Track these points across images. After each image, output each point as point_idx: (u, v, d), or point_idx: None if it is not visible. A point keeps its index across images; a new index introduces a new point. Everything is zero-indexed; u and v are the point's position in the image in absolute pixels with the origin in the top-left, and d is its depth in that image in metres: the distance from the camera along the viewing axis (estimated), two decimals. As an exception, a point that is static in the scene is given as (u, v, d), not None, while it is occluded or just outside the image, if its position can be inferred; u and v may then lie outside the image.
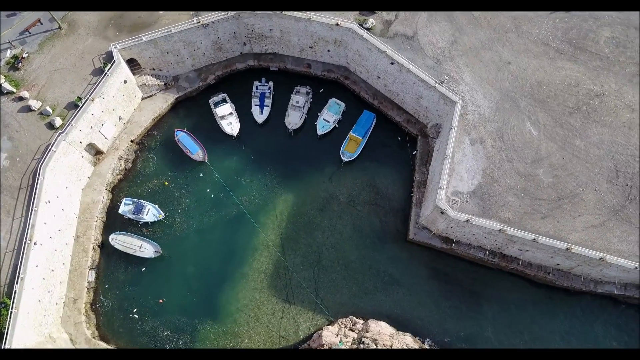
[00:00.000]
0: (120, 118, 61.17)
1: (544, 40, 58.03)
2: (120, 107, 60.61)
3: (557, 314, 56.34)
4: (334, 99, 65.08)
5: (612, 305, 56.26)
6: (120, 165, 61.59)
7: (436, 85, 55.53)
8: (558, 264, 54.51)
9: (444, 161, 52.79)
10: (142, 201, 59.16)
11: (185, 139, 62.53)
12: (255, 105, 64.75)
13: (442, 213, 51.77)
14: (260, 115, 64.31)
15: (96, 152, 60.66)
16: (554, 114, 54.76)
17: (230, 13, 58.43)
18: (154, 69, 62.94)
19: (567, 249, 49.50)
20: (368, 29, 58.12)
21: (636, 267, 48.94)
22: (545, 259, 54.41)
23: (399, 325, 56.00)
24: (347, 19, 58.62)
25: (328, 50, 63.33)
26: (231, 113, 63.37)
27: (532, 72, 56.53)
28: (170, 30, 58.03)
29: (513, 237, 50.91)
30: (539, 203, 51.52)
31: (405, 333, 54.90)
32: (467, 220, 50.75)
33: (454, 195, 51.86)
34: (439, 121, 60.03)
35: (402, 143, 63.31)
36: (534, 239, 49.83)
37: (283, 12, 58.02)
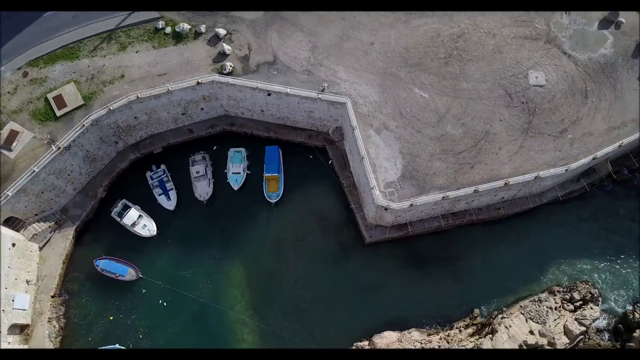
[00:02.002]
0: (28, 282, 54.64)
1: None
2: (22, 271, 54.08)
3: (527, 236, 58.99)
4: (232, 150, 62.57)
5: (559, 205, 59.82)
6: (54, 327, 55.27)
7: (319, 96, 54.83)
8: (503, 198, 56.95)
9: (362, 162, 52.63)
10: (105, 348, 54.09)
11: (108, 265, 57.29)
12: (160, 194, 60.62)
13: (386, 209, 51.87)
14: (169, 202, 60.36)
15: (21, 328, 53.98)
16: (433, 70, 56.18)
17: (87, 123, 53.55)
18: (36, 215, 56.65)
19: (505, 184, 51.66)
20: (230, 73, 55.89)
21: (566, 170, 52.17)
22: (491, 200, 56.61)
23: (401, 325, 56.05)
24: (205, 73, 55.94)
25: (202, 109, 60.35)
26: (140, 216, 58.85)
27: (396, 42, 57.45)
28: (34, 171, 52.20)
29: (457, 198, 52.22)
30: (462, 155, 53.04)
31: (410, 330, 55.10)
32: (411, 205, 51.24)
33: (388, 187, 51.99)
34: (338, 124, 59.68)
35: (315, 159, 62.41)
36: (475, 190, 51.43)
37: (138, 95, 54.22)
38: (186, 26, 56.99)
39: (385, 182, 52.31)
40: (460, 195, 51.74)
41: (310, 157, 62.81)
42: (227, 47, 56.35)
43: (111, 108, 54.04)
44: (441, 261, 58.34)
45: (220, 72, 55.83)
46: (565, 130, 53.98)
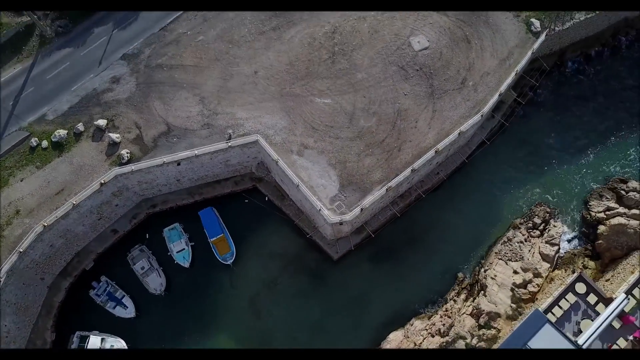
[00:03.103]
0: None
1: (255, 32, 57.55)
2: None
3: (472, 186, 60.38)
4: (165, 230, 58.76)
5: (489, 146, 61.73)
6: None
7: (229, 145, 52.58)
8: (437, 162, 57.96)
9: (299, 189, 51.32)
10: None
11: None
12: (114, 307, 55.90)
13: (341, 224, 51.05)
14: (127, 310, 55.84)
15: None
16: (324, 74, 55.61)
17: (1, 278, 47.82)
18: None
19: (436, 151, 52.46)
20: (129, 160, 52.12)
21: (481, 116, 53.81)
22: (428, 169, 57.44)
23: (400, 321, 55.77)
24: (104, 171, 51.72)
25: (117, 205, 56.03)
26: (103, 339, 53.80)
27: (278, 62, 56.18)
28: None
29: (398, 185, 52.38)
30: (386, 142, 53.12)
31: (411, 322, 55.04)
32: (362, 210, 50.77)
33: (333, 202, 51.11)
34: (258, 160, 57.76)
35: (251, 202, 60.10)
36: (412, 170, 51.81)
37: (44, 223, 49.21)
38: (62, 132, 52.30)
39: (329, 198, 51.37)
40: (401, 181, 51.94)
41: (246, 201, 60.41)
42: (114, 136, 52.42)
43: (21, 250, 48.67)
44: (408, 245, 58.56)
45: (120, 164, 51.94)
46: (465, 80, 55.60)
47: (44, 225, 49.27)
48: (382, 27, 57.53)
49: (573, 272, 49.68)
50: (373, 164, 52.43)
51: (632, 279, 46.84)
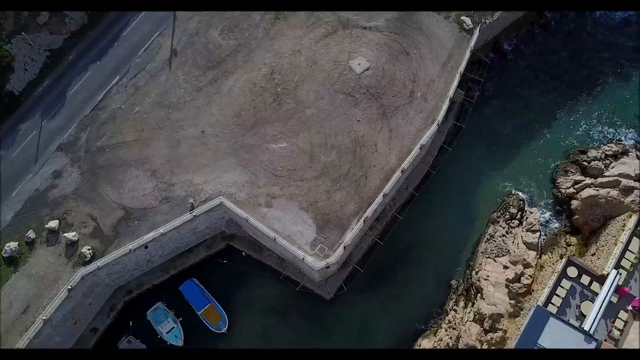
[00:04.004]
0: None
1: (192, 90, 55.05)
2: None
3: (442, 191, 60.05)
4: (149, 313, 55.56)
5: (452, 150, 61.90)
6: None
7: (194, 214, 50.19)
8: (404, 177, 57.45)
9: (276, 242, 49.60)
10: None
11: None
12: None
13: (328, 267, 49.76)
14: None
15: None
16: (273, 118, 53.93)
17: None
18: None
19: (402, 171, 51.95)
20: (93, 257, 48.84)
21: (437, 124, 53.64)
22: (397, 187, 56.84)
23: (407, 344, 55.09)
24: (68, 275, 48.21)
25: (90, 304, 52.47)
26: None
27: (222, 116, 54.01)
28: None
29: (375, 208, 51.38)
30: (351, 173, 52.05)
31: (418, 343, 54.34)
32: (345, 248, 49.68)
33: (314, 246, 49.68)
34: (226, 218, 55.55)
35: (229, 262, 57.79)
36: (384, 195, 51.10)
37: (17, 347, 45.45)
38: (12, 245, 48.34)
39: (309, 244, 49.90)
40: (375, 208, 51.11)
41: (225, 261, 58.03)
42: (70, 235, 48.99)
43: (-2, 384, 44.70)
44: (396, 266, 57.76)
45: (83, 263, 48.59)
46: (412, 92, 55.32)
47: (17, 350, 45.46)
48: (319, 56, 56.47)
49: (561, 257, 50.29)
50: (344, 198, 51.34)
51: (617, 251, 47.80)
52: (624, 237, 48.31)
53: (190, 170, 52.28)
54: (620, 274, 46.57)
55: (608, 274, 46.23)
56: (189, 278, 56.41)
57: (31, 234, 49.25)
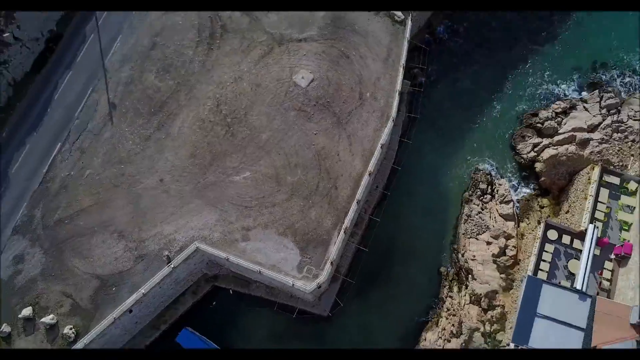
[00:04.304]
0: None
1: (141, 140, 53.14)
2: None
3: (410, 180, 60.80)
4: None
5: (411, 141, 62.42)
6: None
7: (172, 266, 48.31)
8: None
9: (262, 274, 48.63)
10: None
11: None
12: None
13: (320, 286, 49.15)
14: None
15: None
16: (230, 150, 52.63)
17: None
18: None
19: (369, 174, 51.84)
20: (77, 335, 46.36)
21: (392, 120, 53.79)
22: (369, 187, 56.81)
23: (413, 340, 55.19)
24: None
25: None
26: None
27: (178, 159, 52.23)
28: None
29: (352, 217, 51.08)
30: (321, 187, 51.54)
31: (423, 337, 54.50)
32: (332, 263, 49.21)
33: (301, 270, 48.93)
34: (206, 260, 53.97)
35: (218, 303, 56.27)
36: (358, 201, 50.89)
37: None
38: (-12, 345, 45.59)
39: (295, 268, 49.12)
40: (352, 216, 50.85)
41: (214, 303, 56.57)
42: (48, 319, 46.33)
43: None
44: (383, 265, 57.54)
45: (69, 344, 46.15)
46: (361, 94, 55.24)
47: None
48: (262, 78, 55.55)
49: (539, 222, 51.40)
50: (319, 214, 50.79)
51: (588, 205, 49.25)
52: (592, 190, 49.82)
53: (158, 222, 50.49)
54: (597, 227, 48.05)
55: (586, 230, 47.60)
56: (183, 328, 54.62)
57: (5, 327, 46.34)
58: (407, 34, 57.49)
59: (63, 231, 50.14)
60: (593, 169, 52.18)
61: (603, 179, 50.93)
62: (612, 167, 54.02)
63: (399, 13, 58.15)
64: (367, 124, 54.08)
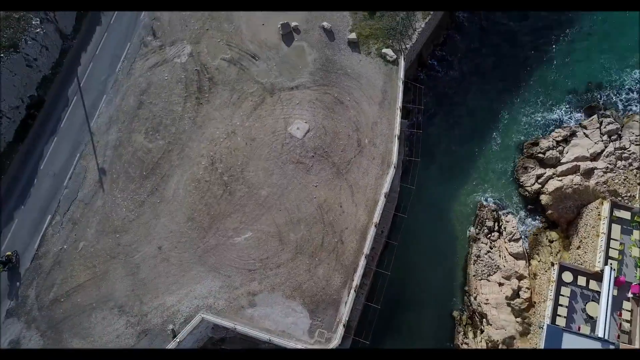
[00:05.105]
0: None
1: (135, 206, 51.05)
2: None
3: (420, 219, 59.14)
4: None
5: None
6: None
7: (178, 340, 46.18)
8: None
9: (271, 342, 46.67)
10: None
11: None
12: None
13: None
14: None
15: None
16: (229, 209, 50.47)
17: None
18: None
19: (376, 225, 50.16)
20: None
21: (394, 167, 52.22)
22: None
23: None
24: None
25: None
26: None
27: (175, 223, 50.10)
28: None
29: (361, 273, 49.38)
30: (326, 242, 49.68)
31: None
32: (344, 325, 47.34)
33: (313, 334, 46.88)
34: (210, 325, 51.77)
35: (227, 367, 54.12)
36: (365, 255, 49.17)
37: None
38: None
39: (306, 332, 47.17)
40: (361, 272, 49.10)
41: (221, 366, 54.43)
42: (50, 409, 44.02)
43: None
44: (394, 314, 55.86)
45: None
46: (359, 141, 53.61)
47: None
48: (256, 132, 53.73)
49: (552, 264, 50.12)
50: (327, 272, 48.95)
51: (602, 243, 48.08)
52: (603, 227, 48.68)
53: (160, 293, 48.29)
54: (613, 267, 46.89)
55: (603, 271, 46.40)
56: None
57: None
58: (401, 74, 56.07)
59: (60, 310, 47.74)
60: (602, 203, 51.09)
61: (614, 214, 49.82)
62: (620, 198, 53.04)
63: (390, 53, 56.75)
64: (368, 172, 52.45)
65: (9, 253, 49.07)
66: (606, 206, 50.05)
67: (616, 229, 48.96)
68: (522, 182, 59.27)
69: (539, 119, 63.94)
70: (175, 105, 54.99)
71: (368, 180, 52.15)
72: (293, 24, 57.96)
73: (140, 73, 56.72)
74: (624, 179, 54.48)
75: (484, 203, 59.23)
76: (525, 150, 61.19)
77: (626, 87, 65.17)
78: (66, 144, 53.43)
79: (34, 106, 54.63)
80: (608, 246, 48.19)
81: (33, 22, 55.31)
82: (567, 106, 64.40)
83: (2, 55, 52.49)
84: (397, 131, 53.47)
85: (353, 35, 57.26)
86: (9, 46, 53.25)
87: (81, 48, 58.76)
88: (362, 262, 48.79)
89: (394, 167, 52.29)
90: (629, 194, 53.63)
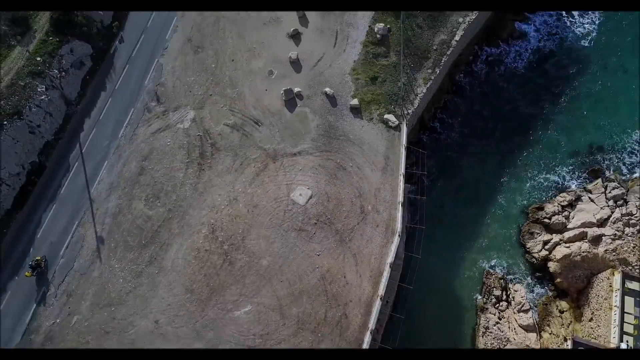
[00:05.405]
0: None
1: (132, 277, 49.59)
2: None
3: (426, 287, 57.29)
4: None
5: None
6: None
7: None
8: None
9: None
10: None
11: None
12: None
13: None
14: None
15: None
16: (229, 279, 49.01)
17: None
18: None
19: (381, 298, 48.51)
20: None
21: (398, 235, 51.14)
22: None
23: None
24: None
25: None
26: None
27: (174, 295, 48.52)
28: None
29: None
30: (329, 316, 47.75)
31: None
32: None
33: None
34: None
35: None
36: (371, 331, 47.22)
37: None
38: None
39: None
40: (365, 343, 47.03)
41: None
42: None
43: None
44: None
45: None
46: (362, 207, 52.79)
47: None
48: (258, 198, 53.01)
49: (565, 338, 48.19)
50: (330, 348, 46.92)
51: (615, 317, 46.35)
52: (616, 300, 47.13)
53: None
54: (629, 344, 44.98)
55: (619, 347, 44.46)
56: None
57: None
58: (404, 140, 56.00)
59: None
60: (613, 273, 49.71)
61: (626, 285, 48.35)
62: (630, 267, 51.63)
63: (392, 118, 56.91)
64: (372, 240, 51.29)
65: (38, 257, 49.73)
66: (617, 277, 48.66)
67: (629, 301, 47.38)
68: (528, 248, 58.01)
69: (542, 180, 63.46)
70: (176, 171, 54.59)
71: (372, 249, 50.93)
72: (296, 89, 58.48)
73: (143, 139, 56.70)
74: (634, 247, 53.25)
75: (491, 270, 57.71)
76: (530, 214, 60.30)
77: (627, 149, 65.07)
78: (65, 212, 52.63)
79: (35, 172, 54.24)
80: (622, 320, 46.43)
81: (39, 90, 55.88)
82: (570, 168, 64.05)
83: (5, 122, 52.61)
84: (400, 198, 52.73)
85: (355, 101, 57.63)
86: (13, 113, 53.48)
87: (85, 114, 59.09)
88: (368, 339, 46.80)
89: (399, 235, 51.24)
90: (639, 263, 52.26)
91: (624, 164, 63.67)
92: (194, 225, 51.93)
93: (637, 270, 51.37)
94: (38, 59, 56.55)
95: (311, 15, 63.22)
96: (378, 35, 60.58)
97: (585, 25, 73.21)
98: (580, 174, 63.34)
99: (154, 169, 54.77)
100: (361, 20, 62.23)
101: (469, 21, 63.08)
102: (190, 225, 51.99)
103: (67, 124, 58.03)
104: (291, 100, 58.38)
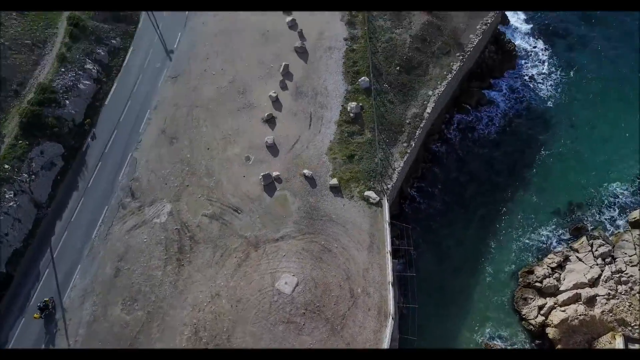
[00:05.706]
0: None
1: None
2: None
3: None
4: None
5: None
6: None
7: None
8: (381, 383, 51.04)
9: None
10: None
11: None
12: None
13: None
14: None
15: None
16: None
17: None
18: None
19: (379, 389, 45.64)
20: None
21: (392, 319, 49.10)
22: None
23: None
24: None
25: None
26: None
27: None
28: None
29: None
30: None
31: None
32: None
33: None
34: None
35: None
36: None
37: None
38: None
39: None
40: None
41: None
42: None
43: None
44: None
45: None
46: (352, 290, 50.80)
47: None
48: (241, 291, 50.50)
49: (576, 414, 45.61)
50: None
51: (625, 384, 44.38)
52: (622, 367, 45.35)
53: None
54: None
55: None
56: None
57: None
58: (387, 216, 55.29)
59: None
60: (614, 337, 48.28)
61: (628, 348, 46.87)
62: (629, 328, 50.34)
63: (373, 195, 56.45)
64: (365, 326, 49.00)
65: (46, 299, 49.08)
66: (620, 341, 47.25)
67: (636, 367, 45.61)
68: (524, 314, 56.31)
69: (527, 241, 62.91)
70: (154, 269, 52.22)
71: (366, 336, 48.53)
72: (274, 173, 57.92)
73: (118, 237, 54.58)
74: (629, 306, 52.21)
75: (490, 343, 55.46)
76: (521, 279, 59.15)
77: (605, 202, 65.72)
78: (34, 326, 49.08)
79: (1, 285, 51.00)
80: (633, 388, 44.39)
81: (7, 196, 53.91)
82: (553, 227, 63.92)
83: (-32, 237, 50.16)
84: (390, 278, 51.20)
85: (334, 181, 57.26)
86: (-22, 227, 51.14)
87: (56, 215, 56.93)
88: None
89: (392, 318, 49.19)
90: (638, 322, 51.05)
91: (606, 218, 64.04)
92: (175, 327, 48.95)
93: (638, 331, 50.06)
94: (6, 166, 54.98)
95: (285, 99, 63.97)
96: (351, 114, 61.43)
97: (549, 87, 76.13)
98: (564, 233, 63.29)
99: (131, 269, 52.29)
100: (334, 101, 63.24)
101: (438, 93, 64.77)
102: (172, 327, 48.98)
103: (37, 228, 55.55)
104: (270, 184, 57.68)
